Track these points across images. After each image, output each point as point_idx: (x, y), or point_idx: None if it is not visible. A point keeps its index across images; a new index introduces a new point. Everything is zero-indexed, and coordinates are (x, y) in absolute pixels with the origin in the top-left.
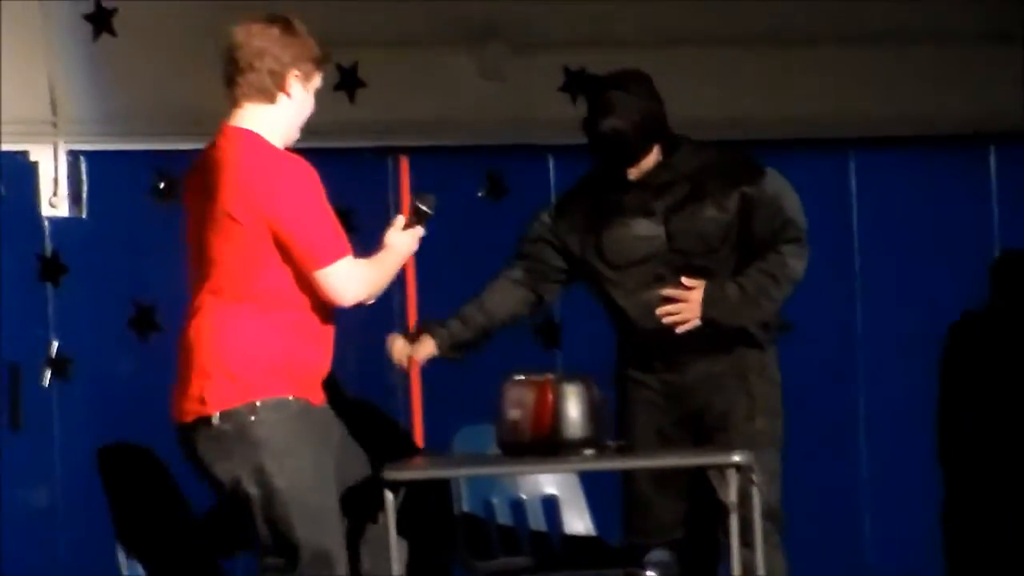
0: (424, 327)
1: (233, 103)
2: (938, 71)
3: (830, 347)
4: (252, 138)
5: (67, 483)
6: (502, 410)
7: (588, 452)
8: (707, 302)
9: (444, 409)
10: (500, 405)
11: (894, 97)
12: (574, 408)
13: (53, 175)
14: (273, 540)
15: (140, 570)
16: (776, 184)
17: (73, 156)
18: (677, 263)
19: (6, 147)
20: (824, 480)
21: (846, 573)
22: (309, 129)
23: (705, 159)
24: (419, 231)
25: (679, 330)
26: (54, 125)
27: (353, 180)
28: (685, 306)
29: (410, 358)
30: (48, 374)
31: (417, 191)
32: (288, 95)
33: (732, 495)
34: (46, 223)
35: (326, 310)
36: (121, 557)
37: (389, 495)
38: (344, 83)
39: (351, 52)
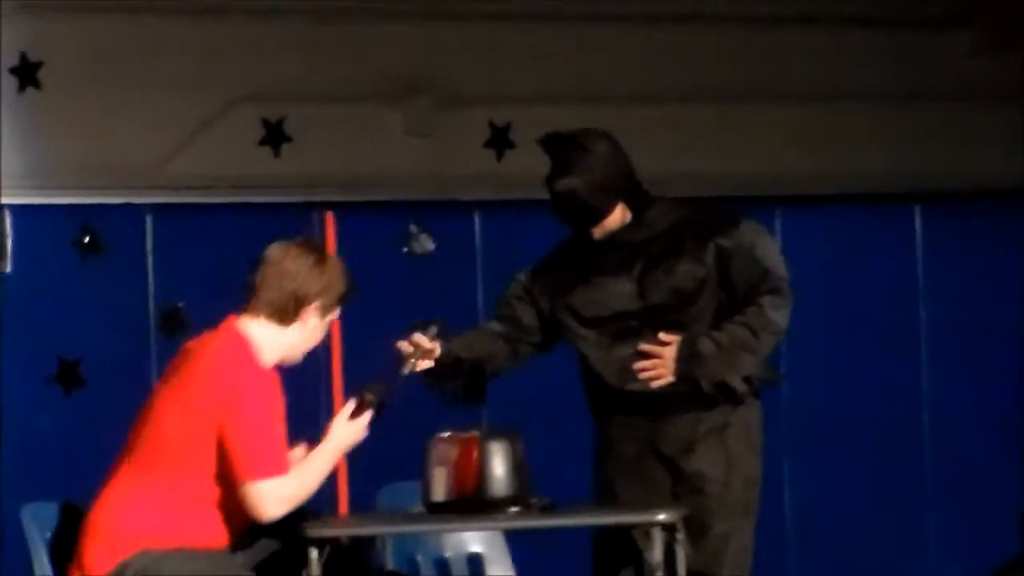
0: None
1: (249, 309)
2: (864, 129)
3: None
4: (241, 342)
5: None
6: (427, 467)
7: (513, 510)
8: (681, 358)
9: (369, 467)
10: (425, 462)
11: (820, 155)
12: (499, 465)
13: None
14: None
15: None
16: (752, 234)
17: None
18: (651, 318)
19: None
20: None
21: None
22: (233, 183)
23: (680, 215)
24: (366, 418)
25: (654, 385)
26: None
27: (277, 234)
28: (659, 362)
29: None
30: None
31: (364, 384)
32: (303, 323)
33: (657, 555)
34: None
35: (235, 516)
36: None
37: (313, 552)
38: (270, 138)
39: (277, 107)
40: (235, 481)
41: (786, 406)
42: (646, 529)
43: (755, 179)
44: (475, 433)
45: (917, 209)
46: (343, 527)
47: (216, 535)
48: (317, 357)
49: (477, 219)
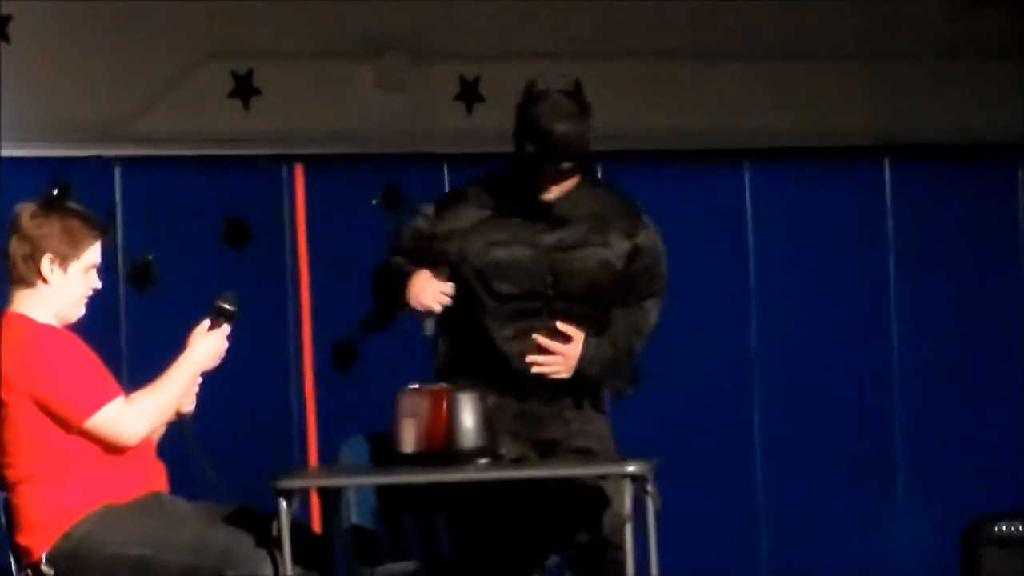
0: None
1: (11, 290)
2: (834, 83)
3: (724, 362)
4: (14, 320)
5: None
6: (396, 419)
7: (483, 462)
8: (584, 359)
9: (338, 420)
10: (394, 414)
11: (790, 109)
12: (469, 417)
13: None
14: None
15: None
16: (658, 237)
17: None
18: (558, 307)
19: None
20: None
21: None
22: (203, 136)
23: (601, 200)
24: (225, 330)
25: (548, 376)
26: None
27: (247, 188)
28: (559, 360)
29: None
30: None
31: (219, 291)
32: (45, 281)
33: (627, 506)
34: None
35: (132, 463)
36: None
37: (282, 503)
38: (239, 91)
39: (246, 60)
40: (79, 430)
41: (756, 359)
42: (617, 480)
43: (724, 133)
44: (445, 385)
45: (886, 163)
46: (311, 478)
47: (132, 486)
48: (286, 310)
49: (447, 172)
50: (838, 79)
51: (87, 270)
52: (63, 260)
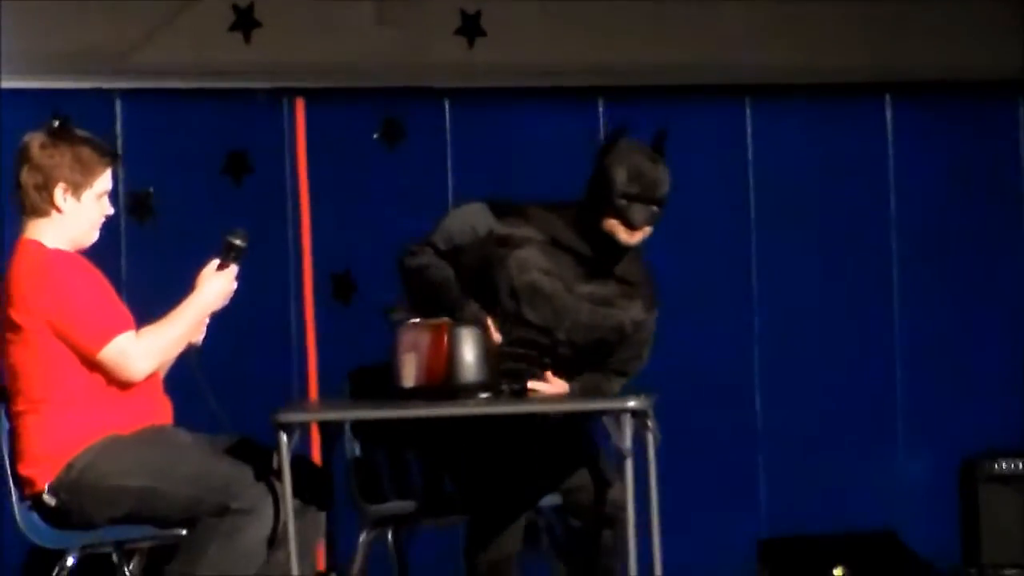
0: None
1: (26, 219)
2: (835, 19)
3: (725, 302)
4: (29, 247)
5: None
6: (397, 353)
7: (483, 396)
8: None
9: (338, 353)
10: (395, 348)
11: (791, 45)
12: (469, 352)
13: None
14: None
15: (34, 519)
16: (655, 319)
17: None
18: (560, 351)
19: None
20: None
21: None
22: (203, 69)
23: (634, 266)
24: (234, 269)
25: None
26: None
27: (248, 121)
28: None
29: None
30: None
31: (228, 227)
32: (58, 210)
33: (627, 440)
34: None
35: (141, 395)
36: (15, 504)
37: (283, 436)
38: (240, 23)
39: None
40: (92, 360)
41: (756, 299)
42: (616, 415)
43: (725, 69)
44: (445, 319)
45: (888, 99)
46: (311, 412)
47: (136, 419)
48: (286, 242)
49: (447, 106)
50: (839, 16)
51: (99, 197)
52: (76, 188)
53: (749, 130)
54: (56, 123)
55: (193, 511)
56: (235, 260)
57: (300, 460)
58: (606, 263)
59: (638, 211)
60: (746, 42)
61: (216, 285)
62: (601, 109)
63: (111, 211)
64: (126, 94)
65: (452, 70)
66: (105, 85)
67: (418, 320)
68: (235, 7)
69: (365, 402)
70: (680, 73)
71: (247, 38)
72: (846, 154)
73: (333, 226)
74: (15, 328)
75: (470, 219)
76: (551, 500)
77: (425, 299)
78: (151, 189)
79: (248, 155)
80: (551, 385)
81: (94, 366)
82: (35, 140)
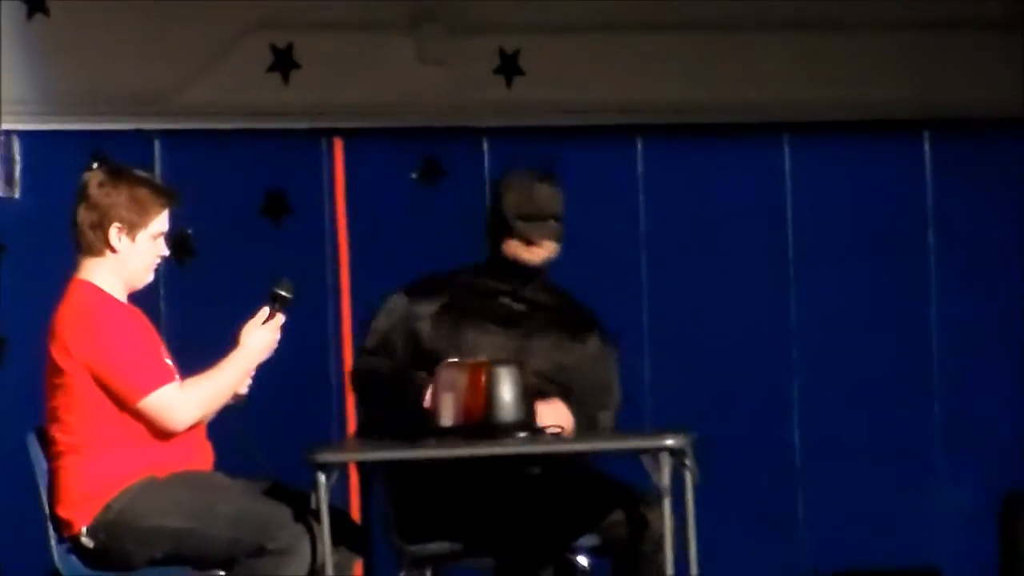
0: None
1: (79, 256)
2: (873, 56)
3: (763, 337)
4: (80, 288)
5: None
6: (434, 393)
7: (522, 435)
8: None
9: None
10: (433, 388)
11: (829, 82)
12: (508, 391)
13: None
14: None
15: (73, 560)
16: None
17: (7, 135)
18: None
19: None
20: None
21: None
22: (242, 109)
23: (560, 294)
24: (280, 320)
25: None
26: None
27: (286, 162)
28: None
29: None
30: None
31: (273, 278)
32: (112, 250)
33: (665, 479)
34: None
35: (181, 443)
36: (53, 545)
37: (321, 476)
38: (278, 64)
39: (286, 33)
40: (132, 408)
41: (795, 331)
42: (655, 453)
43: (763, 106)
44: (483, 359)
45: (927, 136)
46: (350, 452)
47: (176, 462)
48: (325, 284)
49: (486, 146)
50: (877, 53)
51: (155, 238)
52: (131, 228)
53: (787, 167)
54: (113, 164)
55: (231, 552)
56: (281, 310)
57: (334, 509)
58: (520, 289)
59: (534, 228)
60: (784, 80)
61: (262, 337)
62: (639, 147)
63: (166, 253)
64: (165, 135)
65: (491, 109)
66: (145, 126)
67: (456, 360)
68: (274, 48)
69: (403, 442)
70: (718, 111)
71: (286, 79)
72: (884, 190)
73: (371, 266)
74: (57, 371)
75: (389, 307)
76: (589, 541)
77: (382, 397)
78: (190, 230)
79: (287, 196)
80: (555, 408)
81: (135, 414)
82: (94, 178)
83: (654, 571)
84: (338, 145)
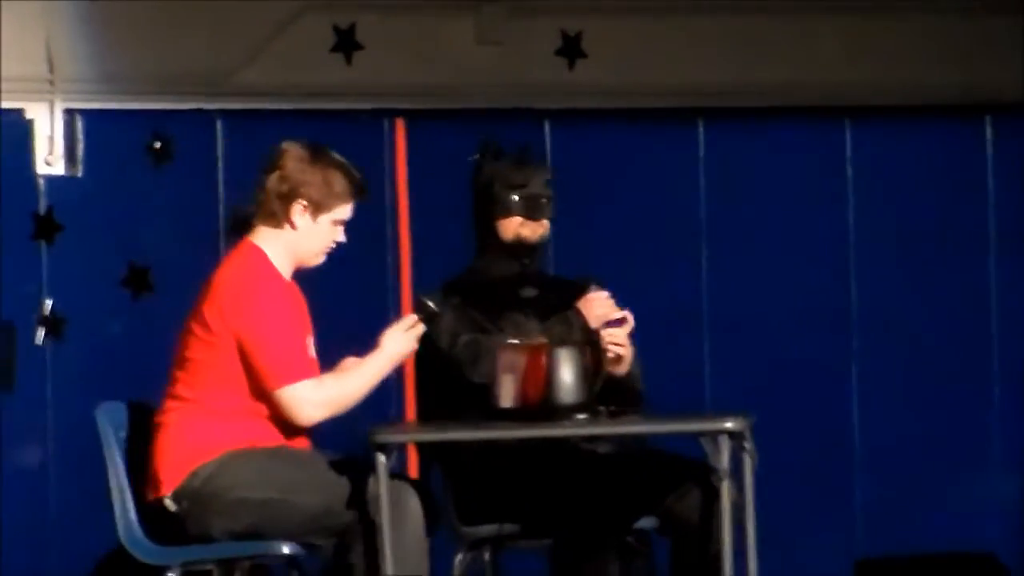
0: None
1: (255, 221)
2: (936, 41)
3: (822, 321)
4: (252, 253)
5: (59, 442)
6: (495, 374)
7: (581, 417)
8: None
9: None
10: (493, 369)
11: (891, 67)
12: (567, 373)
13: (49, 133)
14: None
15: (136, 529)
16: None
17: (69, 114)
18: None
19: (3, 105)
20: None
21: None
22: (304, 90)
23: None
24: (420, 329)
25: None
26: (51, 83)
27: (348, 142)
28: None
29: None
30: (42, 333)
31: (421, 289)
32: (292, 225)
33: (724, 461)
34: (41, 181)
35: (287, 427)
36: (116, 516)
37: (380, 457)
38: (341, 45)
39: (349, 14)
40: (266, 390)
41: (854, 315)
42: (714, 436)
43: (825, 90)
44: (543, 340)
45: (988, 120)
46: (409, 433)
47: (278, 440)
48: (386, 265)
49: (547, 128)
50: (938, 35)
51: (335, 224)
52: (316, 209)
53: (848, 152)
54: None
55: (312, 527)
56: (425, 321)
57: (414, 481)
58: (526, 272)
59: (533, 205)
60: (845, 63)
61: (402, 344)
62: (701, 130)
63: (343, 239)
64: (227, 115)
65: (552, 91)
66: (206, 106)
67: (517, 341)
68: (336, 28)
69: (463, 423)
70: (780, 95)
71: (348, 59)
72: (945, 175)
73: (432, 248)
74: (204, 324)
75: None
76: (647, 523)
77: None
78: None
79: None
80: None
81: (264, 393)
82: (293, 150)
83: (712, 552)
84: (400, 125)
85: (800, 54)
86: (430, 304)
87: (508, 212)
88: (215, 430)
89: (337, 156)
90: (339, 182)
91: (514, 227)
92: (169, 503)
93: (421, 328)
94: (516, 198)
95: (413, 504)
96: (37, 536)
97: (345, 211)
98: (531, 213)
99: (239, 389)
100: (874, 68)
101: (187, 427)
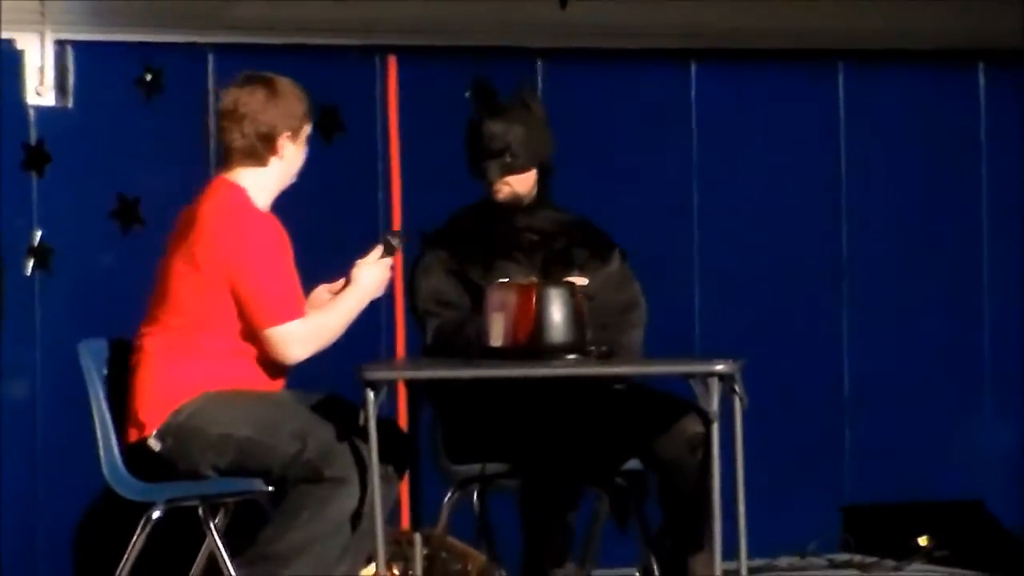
0: None
1: (228, 162)
2: None
3: (814, 267)
4: (235, 193)
5: (47, 374)
6: (485, 313)
7: (571, 357)
8: None
9: None
10: (483, 308)
11: (885, 10)
12: (557, 312)
13: (39, 64)
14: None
15: (120, 467)
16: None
17: (60, 46)
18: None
19: None
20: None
21: None
22: (296, 26)
23: (572, 216)
24: (390, 261)
25: None
26: (42, 14)
27: (340, 78)
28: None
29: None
30: (30, 264)
31: (387, 228)
32: (280, 157)
33: (714, 404)
34: (31, 112)
35: (270, 362)
36: (100, 454)
37: (370, 394)
38: None
39: None
40: (255, 329)
41: (846, 261)
42: (704, 378)
43: (818, 33)
44: (534, 280)
45: (981, 67)
46: (398, 370)
47: (260, 381)
48: (377, 202)
49: (540, 66)
50: None
51: (306, 139)
52: (295, 135)
53: (842, 95)
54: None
55: (289, 469)
56: (390, 255)
57: (381, 420)
58: (518, 221)
59: (488, 168)
60: (839, 7)
61: (375, 274)
62: (693, 71)
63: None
64: (218, 48)
65: (544, 30)
66: (198, 39)
67: (506, 281)
68: None
69: (452, 361)
70: (773, 37)
71: None
72: (938, 120)
73: (423, 185)
74: (193, 263)
75: (425, 266)
76: (633, 464)
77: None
78: None
79: (339, 112)
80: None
81: (251, 331)
82: (246, 92)
83: (701, 494)
84: (392, 62)
85: None
86: (393, 243)
87: (477, 173)
88: (197, 369)
89: (281, 78)
90: (301, 101)
91: (487, 185)
92: (153, 442)
93: (390, 260)
94: (474, 163)
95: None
96: (26, 471)
97: (310, 124)
98: (489, 177)
99: (224, 329)
100: (868, 12)
101: (168, 366)
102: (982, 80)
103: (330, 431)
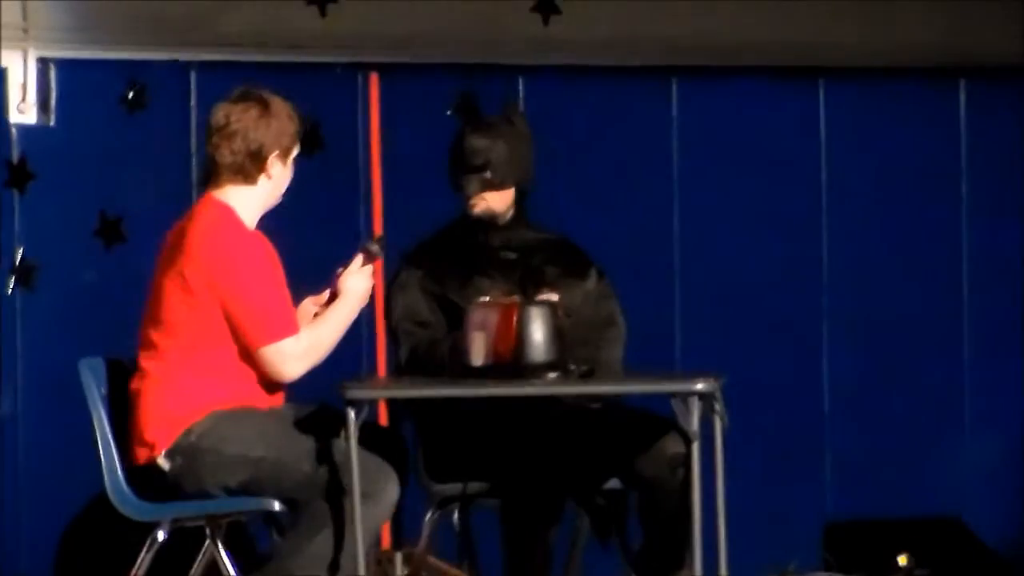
0: None
1: (216, 179)
2: (911, 1)
3: (794, 281)
4: (223, 212)
5: (29, 392)
6: (466, 332)
7: (551, 376)
8: None
9: None
10: (464, 326)
11: (866, 27)
12: (538, 331)
13: (22, 81)
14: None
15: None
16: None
17: (43, 63)
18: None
19: None
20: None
21: None
22: (280, 42)
23: (550, 236)
24: (370, 269)
25: None
26: (24, 31)
27: (322, 95)
28: None
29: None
30: (12, 282)
31: (366, 237)
32: (268, 176)
33: (694, 423)
34: (13, 130)
35: (267, 382)
36: (104, 474)
37: (351, 412)
38: None
39: None
40: (249, 349)
41: (826, 275)
42: (684, 397)
43: (799, 49)
44: (515, 299)
45: (962, 83)
46: (380, 389)
47: (261, 397)
48: (358, 220)
49: (521, 83)
50: None
51: (294, 158)
52: (285, 153)
53: (822, 112)
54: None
55: (306, 486)
56: (371, 262)
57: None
58: (493, 240)
59: (467, 182)
60: (820, 23)
61: (360, 284)
62: (675, 88)
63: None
64: (201, 65)
65: (527, 47)
66: (181, 56)
67: (488, 299)
68: None
69: (434, 380)
70: (754, 54)
71: (323, 11)
72: (919, 136)
73: (405, 202)
74: (185, 285)
75: (401, 283)
76: (613, 483)
77: (440, 367)
78: None
79: (321, 130)
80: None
81: (246, 351)
82: (239, 109)
83: (680, 512)
84: (374, 79)
85: (775, 13)
86: (372, 250)
87: (456, 186)
88: (202, 388)
89: (272, 95)
90: (293, 121)
91: (467, 198)
92: (162, 461)
93: (370, 268)
94: (454, 178)
95: (388, 493)
96: (9, 490)
97: (299, 144)
98: (467, 193)
99: (222, 348)
100: (849, 28)
101: (171, 386)
102: (963, 97)
103: (340, 446)
